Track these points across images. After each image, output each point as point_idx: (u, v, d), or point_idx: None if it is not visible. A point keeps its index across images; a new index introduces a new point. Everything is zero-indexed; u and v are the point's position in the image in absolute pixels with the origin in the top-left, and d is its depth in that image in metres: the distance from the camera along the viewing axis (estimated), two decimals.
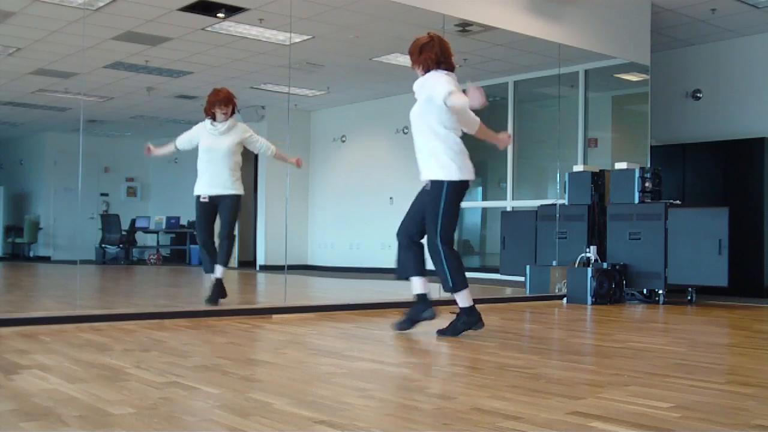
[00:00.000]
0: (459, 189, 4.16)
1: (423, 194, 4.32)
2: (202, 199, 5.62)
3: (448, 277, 4.15)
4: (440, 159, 4.12)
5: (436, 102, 4.06)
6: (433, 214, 4.14)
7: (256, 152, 5.82)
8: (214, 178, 5.59)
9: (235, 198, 5.62)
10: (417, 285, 4.33)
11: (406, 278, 4.38)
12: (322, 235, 12.36)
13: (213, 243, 5.70)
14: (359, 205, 11.91)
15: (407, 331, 4.37)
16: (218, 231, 5.72)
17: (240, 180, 5.67)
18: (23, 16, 7.19)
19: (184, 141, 5.75)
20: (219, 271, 5.58)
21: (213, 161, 5.59)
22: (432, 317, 4.33)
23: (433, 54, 4.17)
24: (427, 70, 4.21)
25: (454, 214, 4.18)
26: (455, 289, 4.17)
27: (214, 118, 5.60)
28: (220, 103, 5.54)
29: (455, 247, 4.28)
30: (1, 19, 7.35)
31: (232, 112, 5.63)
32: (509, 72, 9.31)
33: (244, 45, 8.20)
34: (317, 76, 9.81)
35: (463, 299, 4.19)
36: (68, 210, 13.79)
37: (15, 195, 15.65)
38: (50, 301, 6.33)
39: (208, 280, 5.67)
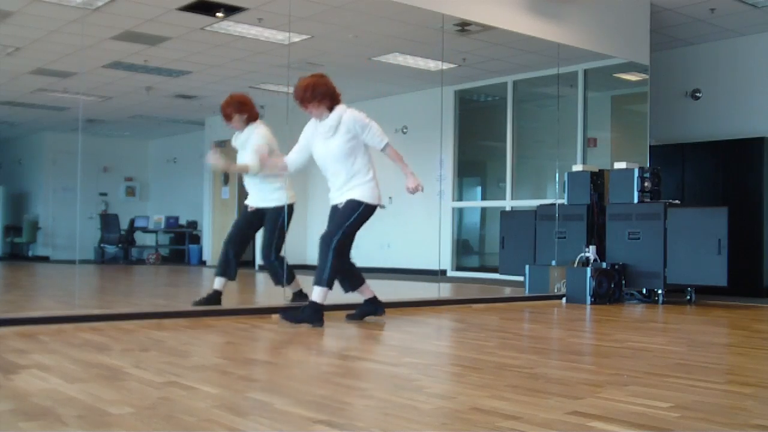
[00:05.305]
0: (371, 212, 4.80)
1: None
2: (249, 209, 5.29)
3: (327, 272, 4.58)
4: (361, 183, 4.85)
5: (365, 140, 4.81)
6: (343, 222, 4.71)
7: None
8: (254, 191, 5.27)
9: (276, 210, 5.23)
10: (367, 291, 5.04)
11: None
12: None
13: (236, 250, 5.24)
14: None
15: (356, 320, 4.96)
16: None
17: (280, 189, 5.25)
18: (23, 15, 7.18)
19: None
20: (292, 288, 5.47)
21: (248, 174, 5.22)
22: (381, 314, 5.04)
23: (330, 94, 4.79)
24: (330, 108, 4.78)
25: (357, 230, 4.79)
26: (325, 284, 4.57)
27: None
28: (233, 107, 5.20)
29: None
30: (1, 19, 7.34)
31: (248, 119, 5.25)
32: (508, 72, 9.31)
33: (244, 45, 8.20)
34: None
35: (319, 295, 4.57)
36: (67, 210, 13.74)
37: (14, 195, 15.62)
38: (49, 301, 6.33)
39: (214, 282, 5.22)
